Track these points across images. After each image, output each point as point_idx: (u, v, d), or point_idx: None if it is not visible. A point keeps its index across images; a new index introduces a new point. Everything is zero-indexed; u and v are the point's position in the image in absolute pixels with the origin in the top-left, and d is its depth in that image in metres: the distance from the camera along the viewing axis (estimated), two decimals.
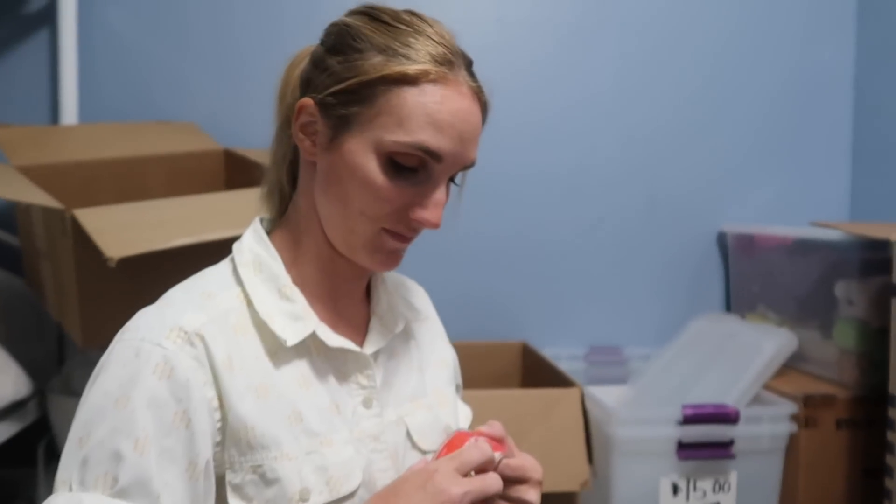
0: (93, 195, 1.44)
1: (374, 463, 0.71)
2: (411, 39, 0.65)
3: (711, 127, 1.92)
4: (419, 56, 0.65)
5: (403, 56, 0.64)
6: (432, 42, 0.66)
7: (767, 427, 1.38)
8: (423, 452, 0.77)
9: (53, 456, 1.47)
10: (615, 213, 1.90)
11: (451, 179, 0.71)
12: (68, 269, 1.21)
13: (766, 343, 1.48)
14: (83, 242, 1.09)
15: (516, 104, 1.85)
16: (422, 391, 0.80)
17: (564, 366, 1.60)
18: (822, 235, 1.53)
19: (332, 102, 0.67)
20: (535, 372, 1.67)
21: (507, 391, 1.50)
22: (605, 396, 1.47)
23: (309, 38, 0.75)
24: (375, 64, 0.65)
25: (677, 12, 1.89)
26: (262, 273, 0.70)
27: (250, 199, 1.26)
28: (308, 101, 0.68)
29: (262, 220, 0.76)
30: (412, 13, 0.69)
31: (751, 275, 1.81)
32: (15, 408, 1.36)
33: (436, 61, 0.65)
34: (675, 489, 1.37)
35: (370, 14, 0.69)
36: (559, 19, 1.86)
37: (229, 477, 0.64)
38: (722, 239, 1.93)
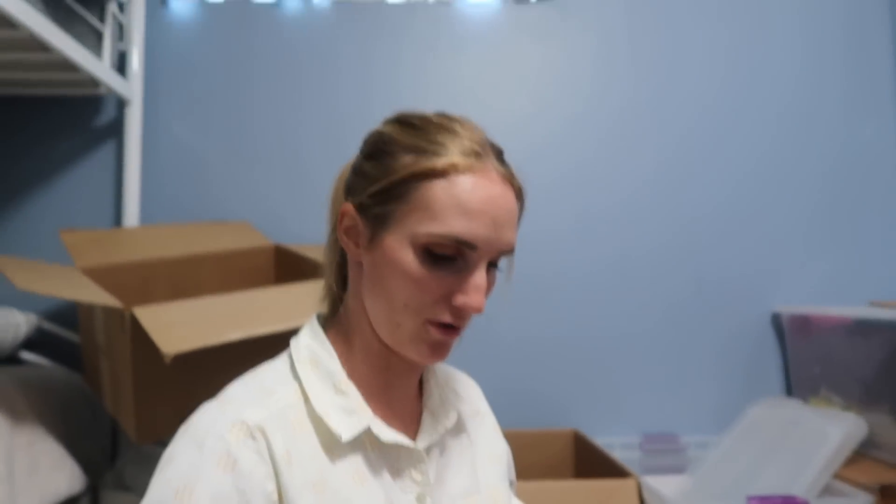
0: (150, 292, 1.49)
1: None
2: (439, 137, 0.68)
3: (760, 207, 1.91)
4: (447, 151, 0.67)
5: (432, 153, 0.67)
6: (459, 137, 0.68)
7: None
8: None
9: None
10: (664, 298, 1.87)
11: (494, 265, 0.71)
12: (125, 365, 1.24)
13: (833, 429, 1.41)
14: (140, 339, 1.13)
15: (562, 195, 1.88)
16: (475, 488, 0.78)
17: (618, 455, 1.55)
18: (883, 315, 1.47)
19: (370, 203, 0.70)
20: (588, 461, 1.61)
21: (561, 482, 1.45)
22: (663, 487, 1.41)
23: (352, 144, 0.78)
24: (406, 163, 0.68)
25: (724, 96, 1.93)
26: (318, 369, 0.72)
27: (298, 294, 1.30)
28: (349, 205, 0.72)
29: (318, 317, 0.78)
30: (441, 114, 0.73)
31: (810, 357, 1.75)
32: (69, 503, 1.37)
33: (463, 154, 0.67)
34: None
35: (401, 120, 0.73)
36: (605, 106, 1.92)
37: None
38: (777, 320, 1.88)
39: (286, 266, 1.68)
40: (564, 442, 1.74)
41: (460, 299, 0.67)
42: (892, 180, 1.92)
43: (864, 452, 1.46)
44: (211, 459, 0.62)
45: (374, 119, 0.76)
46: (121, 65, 1.78)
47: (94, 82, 1.67)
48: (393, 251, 0.68)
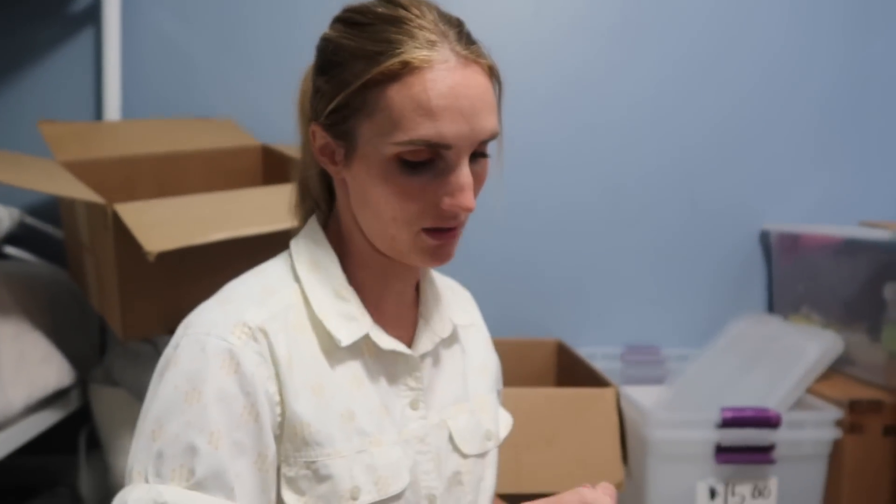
0: (133, 189, 1.47)
1: (419, 465, 0.71)
2: (386, 34, 0.62)
3: (755, 123, 1.87)
4: (395, 48, 0.61)
5: (381, 53, 0.62)
6: (408, 27, 0.62)
7: (810, 432, 1.34)
8: (464, 456, 0.76)
9: (94, 444, 1.51)
10: (655, 210, 1.87)
11: (482, 154, 0.67)
12: (109, 263, 1.23)
13: (811, 345, 1.44)
14: (124, 236, 1.12)
15: (557, 105, 1.83)
16: (464, 396, 0.79)
17: (600, 365, 1.58)
18: (872, 235, 1.47)
19: (334, 121, 0.66)
20: (570, 371, 1.65)
21: (542, 389, 1.49)
22: (642, 397, 1.45)
23: None
24: (356, 72, 0.63)
25: (724, 11, 1.85)
26: (318, 272, 0.71)
27: (285, 195, 1.28)
28: (316, 126, 0.68)
29: (317, 217, 0.76)
30: (389, 1, 0.65)
31: (795, 275, 1.76)
32: (58, 396, 1.39)
33: (416, 47, 0.61)
34: (713, 493, 1.34)
35: (345, 19, 0.67)
36: (603, 19, 1.84)
37: (284, 470, 0.65)
38: (765, 238, 1.88)
39: (274, 167, 1.65)
40: (548, 351, 1.78)
41: (447, 202, 0.64)
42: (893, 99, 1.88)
43: (838, 369, 1.50)
44: (215, 362, 0.62)
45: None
46: None
47: None
48: (369, 166, 0.64)
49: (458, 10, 0.68)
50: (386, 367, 0.71)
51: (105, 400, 1.43)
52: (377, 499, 0.66)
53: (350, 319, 0.69)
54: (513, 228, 1.83)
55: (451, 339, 0.80)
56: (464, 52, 0.63)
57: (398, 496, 0.68)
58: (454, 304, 0.84)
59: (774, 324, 1.63)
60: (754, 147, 1.88)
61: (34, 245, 1.62)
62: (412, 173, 0.63)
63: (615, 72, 1.85)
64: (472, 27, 0.67)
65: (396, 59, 0.61)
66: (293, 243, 0.74)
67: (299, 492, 0.65)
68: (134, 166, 1.51)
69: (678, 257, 1.88)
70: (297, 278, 0.70)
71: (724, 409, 1.32)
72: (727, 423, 1.31)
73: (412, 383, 0.73)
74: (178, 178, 1.55)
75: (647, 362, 1.82)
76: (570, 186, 1.85)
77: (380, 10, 0.64)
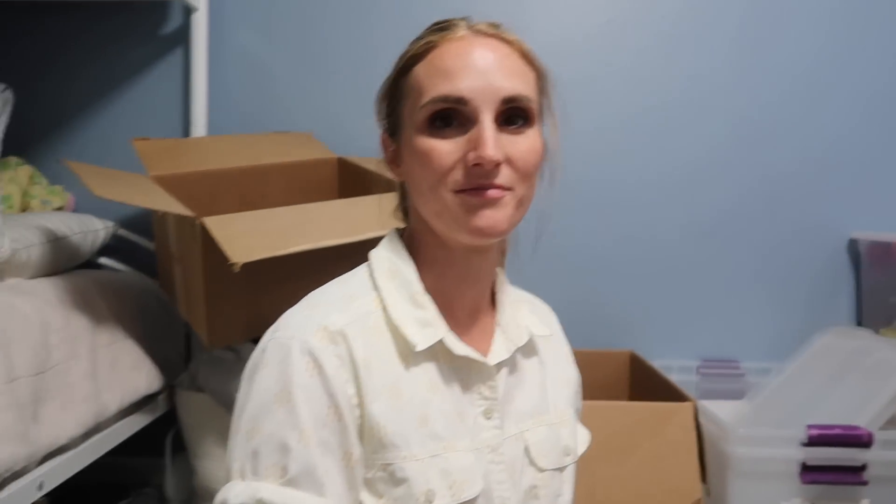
0: (217, 202, 1.53)
1: (492, 474, 0.71)
2: (423, 34, 0.72)
3: (841, 125, 1.80)
4: (425, 39, 0.70)
5: (412, 47, 0.71)
6: (441, 25, 0.71)
7: None
8: (541, 470, 0.76)
9: (179, 447, 1.57)
10: (734, 218, 1.81)
11: (512, 123, 0.68)
12: (196, 273, 1.29)
13: None
14: (211, 248, 1.16)
15: (632, 104, 1.81)
16: (543, 408, 0.79)
17: (675, 378, 1.54)
18: None
19: (388, 122, 0.75)
20: (644, 383, 1.62)
21: (616, 403, 1.47)
22: (720, 411, 1.40)
23: None
24: (394, 67, 0.73)
25: (822, 20, 1.80)
26: (396, 280, 0.73)
27: (362, 207, 1.31)
28: (383, 135, 0.76)
29: (397, 231, 0.79)
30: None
31: (886, 286, 1.68)
32: (146, 401, 1.46)
33: (437, 31, 0.70)
34: None
35: None
36: (687, 23, 1.81)
37: (362, 471, 0.67)
38: (853, 247, 1.80)
39: (349, 178, 1.69)
40: (621, 362, 1.75)
41: (472, 156, 0.65)
42: None
43: None
44: (299, 364, 0.65)
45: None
46: None
47: None
48: (408, 147, 0.70)
49: (528, 21, 0.70)
50: (460, 374, 0.72)
51: (190, 405, 1.49)
52: (451, 503, 0.67)
53: (425, 325, 0.70)
54: (586, 237, 1.81)
55: (530, 350, 0.80)
56: (481, 28, 0.70)
57: (471, 502, 0.68)
58: (533, 315, 0.84)
59: (864, 337, 1.55)
60: (839, 151, 1.80)
61: (126, 255, 1.71)
62: (439, 136, 0.67)
63: (698, 78, 1.81)
64: (545, 35, 0.70)
65: (421, 43, 0.70)
66: (372, 254, 0.76)
67: (377, 494, 0.67)
68: (218, 179, 1.58)
69: (758, 267, 1.82)
70: (375, 286, 0.73)
71: (810, 427, 1.26)
72: (814, 441, 1.26)
73: (486, 392, 0.73)
74: (258, 189, 1.61)
75: (725, 375, 1.76)
76: (647, 197, 1.82)
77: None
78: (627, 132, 1.81)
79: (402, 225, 0.81)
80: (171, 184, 1.45)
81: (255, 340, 0.72)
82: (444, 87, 0.66)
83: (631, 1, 1.81)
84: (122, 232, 1.66)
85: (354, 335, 0.67)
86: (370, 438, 0.66)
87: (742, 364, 1.77)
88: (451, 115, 0.66)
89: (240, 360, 1.43)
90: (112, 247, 1.68)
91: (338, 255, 1.03)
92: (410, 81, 0.69)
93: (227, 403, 1.36)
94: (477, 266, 0.74)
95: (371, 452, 0.67)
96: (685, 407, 1.30)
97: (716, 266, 1.82)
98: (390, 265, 0.74)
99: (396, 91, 0.72)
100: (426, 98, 0.66)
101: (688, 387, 1.59)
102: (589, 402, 1.29)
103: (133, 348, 1.41)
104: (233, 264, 1.08)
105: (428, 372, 0.70)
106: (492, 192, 0.66)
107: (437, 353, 0.71)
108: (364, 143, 1.71)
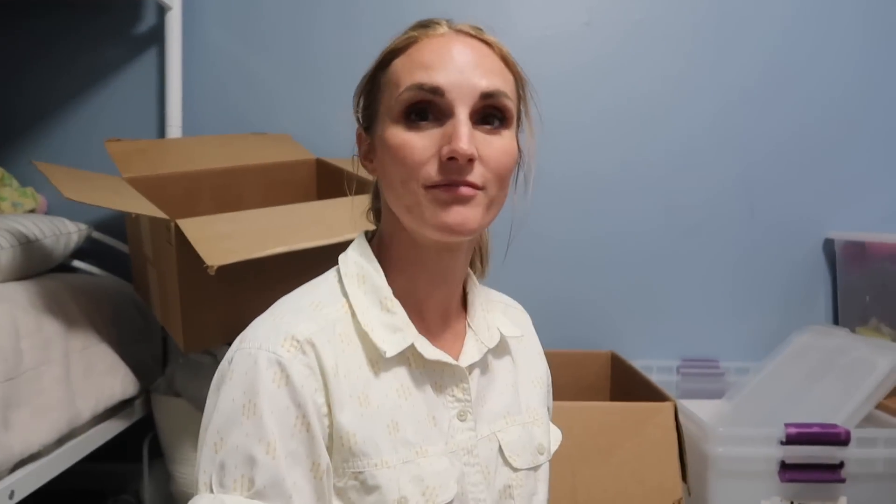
0: (194, 203, 1.51)
1: (467, 476, 0.71)
2: (404, 32, 0.71)
3: (817, 126, 1.82)
4: (406, 35, 0.70)
5: (392, 42, 0.71)
6: (421, 23, 0.71)
7: (883, 450, 1.28)
8: (515, 470, 0.76)
9: (156, 452, 1.55)
10: (712, 218, 1.82)
11: (488, 123, 0.67)
12: (172, 276, 1.27)
13: (881, 359, 1.38)
14: (186, 251, 1.15)
15: (614, 125, 1.82)
16: (516, 408, 0.79)
17: (655, 377, 1.55)
18: None
19: (363, 114, 0.74)
20: (625, 383, 1.62)
21: (597, 404, 1.46)
22: (700, 411, 1.41)
23: None
24: (374, 62, 0.72)
25: (787, 19, 1.81)
26: (365, 285, 0.72)
27: (340, 208, 1.30)
28: (359, 129, 0.75)
29: (366, 234, 0.78)
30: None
31: (862, 286, 1.70)
32: (122, 406, 1.44)
33: (419, 27, 0.70)
34: None
35: None
36: (663, 26, 1.81)
37: (333, 481, 0.66)
38: (829, 246, 1.82)
39: (327, 179, 1.68)
40: (602, 363, 1.75)
41: (445, 149, 0.64)
42: None
43: None
44: (267, 374, 0.64)
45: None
46: None
47: None
48: (382, 141, 0.69)
49: (509, 23, 0.69)
50: (432, 376, 0.72)
51: (167, 410, 1.47)
52: None
53: (395, 330, 0.70)
54: (566, 238, 1.82)
55: (502, 350, 0.80)
56: (462, 28, 0.70)
57: None
58: (504, 316, 0.83)
59: (841, 336, 1.57)
60: (816, 152, 1.82)
61: (101, 259, 1.68)
62: (414, 128, 0.66)
63: (673, 79, 1.82)
64: (525, 37, 0.70)
65: (402, 38, 0.70)
66: (341, 258, 0.76)
67: (349, 502, 0.66)
68: (194, 181, 1.56)
69: (736, 267, 1.83)
70: (344, 292, 0.72)
71: (788, 425, 1.27)
72: (792, 440, 1.26)
73: (459, 394, 0.73)
74: (236, 190, 1.59)
75: (705, 375, 1.77)
76: (627, 197, 1.82)
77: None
78: (605, 133, 1.82)
79: (372, 227, 0.80)
80: (146, 185, 1.43)
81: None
82: (420, 77, 0.66)
83: (608, 4, 1.81)
84: (97, 235, 1.63)
85: (323, 343, 0.66)
86: (340, 447, 0.66)
87: (721, 363, 1.78)
88: (427, 109, 0.66)
89: (217, 364, 1.40)
90: (86, 250, 1.65)
91: (316, 257, 1.02)
92: (388, 75, 0.69)
93: (204, 408, 1.34)
94: (447, 266, 0.73)
95: (342, 461, 0.66)
96: (665, 407, 1.31)
97: (695, 266, 1.83)
98: (358, 270, 0.73)
99: (374, 85, 0.71)
100: (402, 87, 0.66)
101: (668, 386, 1.60)
102: (570, 403, 1.30)
103: (108, 353, 1.39)
104: (209, 267, 1.06)
105: (399, 377, 0.70)
106: (464, 190, 0.65)
107: (408, 357, 0.71)
108: (343, 144, 1.71)
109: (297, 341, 0.65)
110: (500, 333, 0.79)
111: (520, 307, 0.90)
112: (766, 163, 1.82)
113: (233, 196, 1.56)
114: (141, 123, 1.82)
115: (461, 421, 0.72)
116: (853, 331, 1.67)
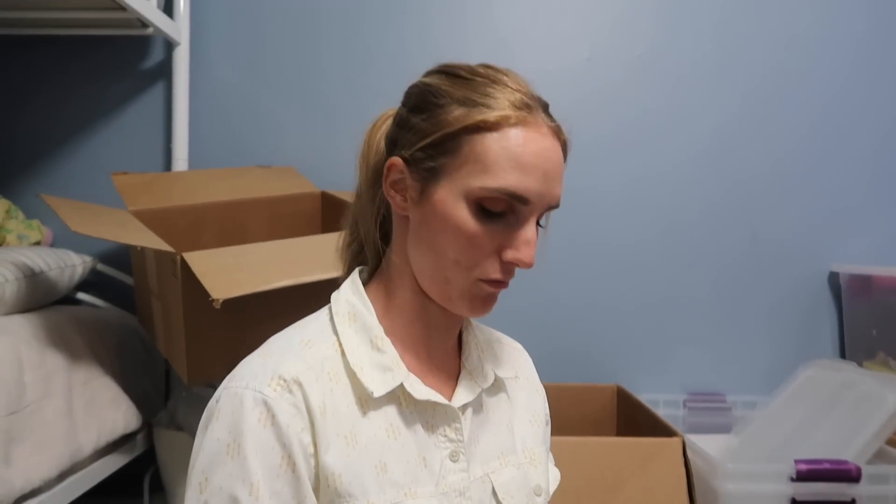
0: (199, 236, 1.51)
1: None
2: (489, 89, 0.67)
3: (820, 160, 1.83)
4: (498, 104, 0.66)
5: (483, 105, 0.66)
6: (509, 89, 0.67)
7: (894, 487, 1.26)
8: None
9: (158, 486, 1.53)
10: (716, 253, 1.82)
11: (538, 222, 0.70)
12: (176, 309, 1.27)
13: (890, 394, 1.36)
14: (191, 284, 1.15)
15: (615, 148, 1.82)
16: (510, 448, 0.78)
17: (662, 411, 1.54)
18: None
19: (420, 157, 0.68)
20: (632, 418, 1.60)
21: (604, 439, 1.45)
22: (707, 445, 1.39)
23: (397, 89, 0.76)
24: (458, 116, 0.67)
25: (786, 50, 1.83)
26: (356, 323, 0.72)
27: None
28: (397, 159, 0.70)
29: (360, 272, 0.77)
30: (487, 66, 0.71)
31: (868, 319, 1.69)
32: (124, 440, 1.42)
33: (514, 107, 0.66)
34: None
35: (446, 72, 0.71)
36: (663, 60, 1.84)
37: None
38: (833, 279, 1.81)
39: (332, 212, 1.68)
40: (607, 397, 1.73)
41: (510, 254, 0.67)
42: None
43: None
44: (252, 414, 0.63)
45: (434, 62, 0.74)
46: (168, 5, 1.76)
47: (141, 23, 1.66)
48: (444, 206, 0.67)
49: (512, 55, 0.70)
50: (423, 416, 0.71)
51: (169, 443, 1.45)
52: None
53: (384, 370, 0.69)
54: (569, 271, 1.81)
55: (496, 389, 0.80)
56: (552, 125, 0.69)
57: None
58: (500, 355, 0.83)
59: (848, 370, 1.55)
60: (819, 185, 1.82)
61: (105, 291, 1.68)
62: (486, 221, 0.66)
63: (674, 112, 1.83)
64: (527, 72, 0.72)
65: (498, 112, 0.66)
66: (334, 297, 0.75)
67: None
68: (199, 214, 1.56)
69: (740, 300, 1.82)
70: (335, 331, 0.71)
71: (798, 462, 1.25)
72: (802, 476, 1.25)
73: (451, 434, 0.72)
74: (240, 224, 1.60)
75: (712, 409, 1.75)
76: (630, 229, 1.83)
77: (480, 70, 0.70)
78: (606, 164, 1.82)
79: (347, 266, 0.80)
80: (151, 218, 1.43)
81: None
82: (514, 181, 0.65)
83: (610, 39, 1.84)
84: (101, 267, 1.63)
85: (310, 382, 0.66)
86: (326, 488, 0.65)
87: (728, 397, 1.77)
88: (505, 207, 0.67)
89: None
90: (90, 282, 1.65)
91: (319, 291, 1.01)
92: (477, 147, 0.65)
93: None
94: (451, 318, 0.75)
95: (328, 502, 0.65)
96: (673, 442, 1.29)
97: (699, 301, 1.83)
98: (350, 308, 0.73)
99: (451, 142, 0.66)
100: (494, 183, 0.65)
101: (674, 420, 1.58)
102: (576, 439, 1.28)
103: (111, 385, 1.38)
104: (214, 300, 1.06)
105: (388, 416, 0.69)
106: (505, 284, 0.70)
107: (399, 396, 0.70)
108: (348, 177, 1.72)
109: (284, 380, 0.65)
110: (494, 373, 0.79)
111: (517, 345, 0.89)
112: (768, 195, 1.83)
113: (237, 229, 1.57)
114: (148, 156, 1.83)
115: (453, 462, 0.71)
116: (860, 365, 1.66)
